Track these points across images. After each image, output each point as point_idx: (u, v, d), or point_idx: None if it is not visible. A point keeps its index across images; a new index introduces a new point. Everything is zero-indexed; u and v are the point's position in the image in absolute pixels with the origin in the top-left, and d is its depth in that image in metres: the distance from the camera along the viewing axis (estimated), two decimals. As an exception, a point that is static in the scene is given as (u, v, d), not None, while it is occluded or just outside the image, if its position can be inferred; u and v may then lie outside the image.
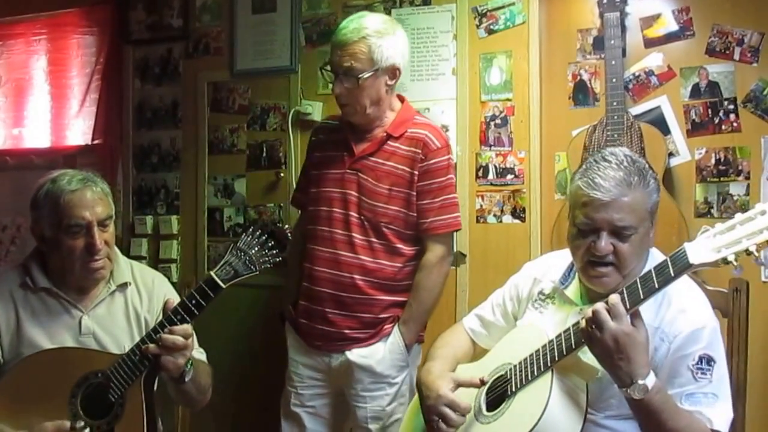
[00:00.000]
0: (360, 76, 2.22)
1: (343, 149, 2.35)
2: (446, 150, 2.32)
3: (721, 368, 1.63)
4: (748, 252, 1.40)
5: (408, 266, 2.33)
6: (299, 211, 2.65)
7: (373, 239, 2.29)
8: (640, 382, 1.49)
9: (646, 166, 1.69)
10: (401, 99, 2.42)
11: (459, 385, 1.81)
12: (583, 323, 1.55)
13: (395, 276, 2.31)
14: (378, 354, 2.30)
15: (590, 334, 1.53)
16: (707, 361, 1.59)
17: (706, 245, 1.46)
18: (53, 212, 1.94)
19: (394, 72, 2.29)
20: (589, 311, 1.53)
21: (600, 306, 1.52)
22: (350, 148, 2.34)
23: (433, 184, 2.29)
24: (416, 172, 2.27)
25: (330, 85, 2.40)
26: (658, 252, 1.75)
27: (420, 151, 2.26)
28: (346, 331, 2.30)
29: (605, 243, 1.62)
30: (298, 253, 2.45)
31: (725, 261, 1.43)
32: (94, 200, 1.96)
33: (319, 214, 2.36)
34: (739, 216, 1.44)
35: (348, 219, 2.30)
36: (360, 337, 2.30)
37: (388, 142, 2.30)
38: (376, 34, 2.24)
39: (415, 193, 2.28)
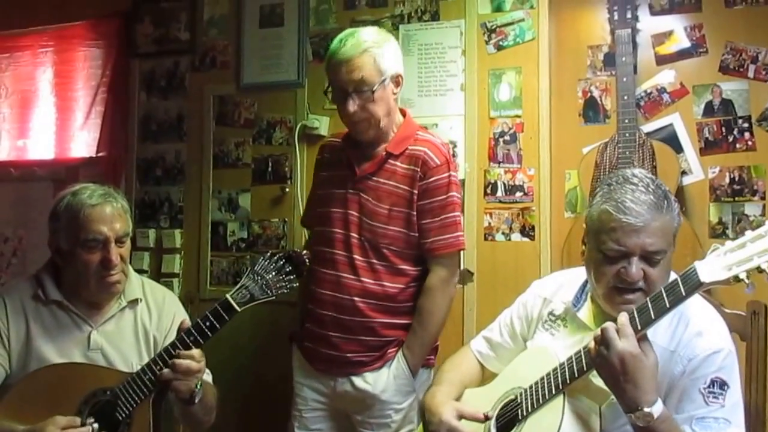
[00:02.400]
0: (373, 88, 2.16)
1: (347, 168, 2.31)
2: (446, 167, 2.23)
3: (735, 394, 1.58)
4: (760, 269, 1.38)
5: (411, 287, 2.26)
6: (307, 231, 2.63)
7: (374, 260, 2.23)
8: (646, 409, 1.46)
9: (668, 188, 1.66)
10: (403, 113, 2.36)
11: (462, 416, 1.77)
12: (591, 344, 1.53)
13: (398, 297, 2.24)
14: (382, 381, 2.24)
15: (598, 352, 1.50)
16: (720, 385, 1.55)
17: (716, 263, 1.43)
18: (72, 225, 1.94)
19: (398, 80, 2.26)
20: (597, 330, 1.51)
21: (609, 325, 1.49)
22: (353, 168, 2.29)
23: (433, 203, 2.22)
24: (416, 191, 2.21)
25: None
26: (672, 272, 1.70)
27: (419, 170, 2.20)
28: (350, 356, 2.24)
29: (636, 269, 1.57)
30: (309, 274, 2.37)
31: (737, 279, 1.40)
32: (113, 216, 1.96)
33: (323, 234, 2.31)
34: (749, 233, 1.42)
35: (349, 240, 2.25)
36: (365, 361, 2.24)
37: (389, 160, 2.24)
38: (375, 45, 2.20)
39: (415, 213, 2.22)
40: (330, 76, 2.24)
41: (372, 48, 2.18)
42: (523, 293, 1.98)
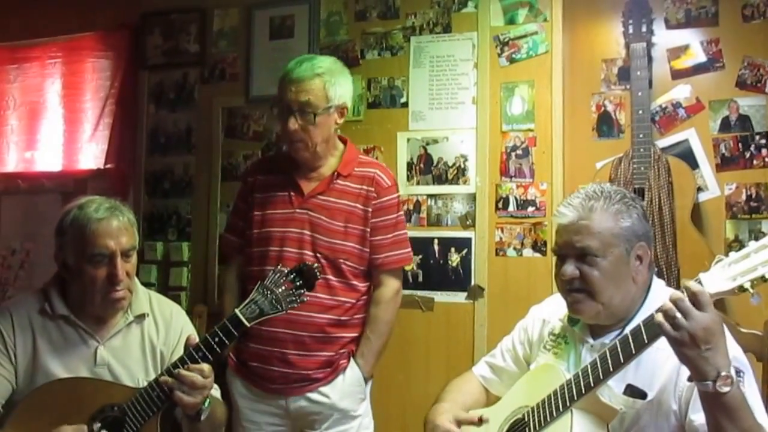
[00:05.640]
0: (316, 112, 2.22)
1: (288, 189, 2.31)
2: (395, 188, 2.34)
3: (753, 381, 1.53)
4: (764, 278, 1.36)
5: (361, 301, 2.31)
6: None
7: (330, 276, 2.25)
8: (724, 373, 1.38)
9: (620, 194, 1.67)
10: (343, 140, 2.40)
11: (459, 421, 1.79)
12: (659, 317, 1.42)
13: (350, 311, 2.28)
14: (338, 390, 2.26)
15: (675, 324, 1.39)
16: (735, 372, 1.46)
17: (721, 274, 1.41)
18: (78, 240, 1.91)
19: (343, 111, 2.30)
20: (667, 302, 1.42)
21: (680, 294, 1.41)
22: (298, 188, 2.30)
23: (386, 221, 2.29)
24: (370, 209, 2.27)
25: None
26: (662, 285, 1.71)
27: (372, 189, 2.27)
28: (306, 372, 2.24)
29: (568, 267, 1.64)
30: (235, 299, 2.33)
31: (742, 289, 1.38)
32: (119, 230, 1.93)
33: (268, 254, 2.27)
34: (753, 244, 1.40)
35: (302, 258, 2.24)
36: (319, 378, 2.25)
37: (338, 180, 2.29)
38: (329, 73, 2.26)
39: (368, 230, 2.27)
40: (279, 93, 2.27)
41: (325, 75, 2.24)
42: (522, 319, 1.97)
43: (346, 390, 2.26)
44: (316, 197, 2.28)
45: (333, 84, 2.23)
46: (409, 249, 2.36)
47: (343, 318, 2.27)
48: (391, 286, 2.31)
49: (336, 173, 2.28)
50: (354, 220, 2.26)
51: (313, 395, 2.25)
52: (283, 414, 2.29)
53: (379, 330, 2.30)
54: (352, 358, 2.29)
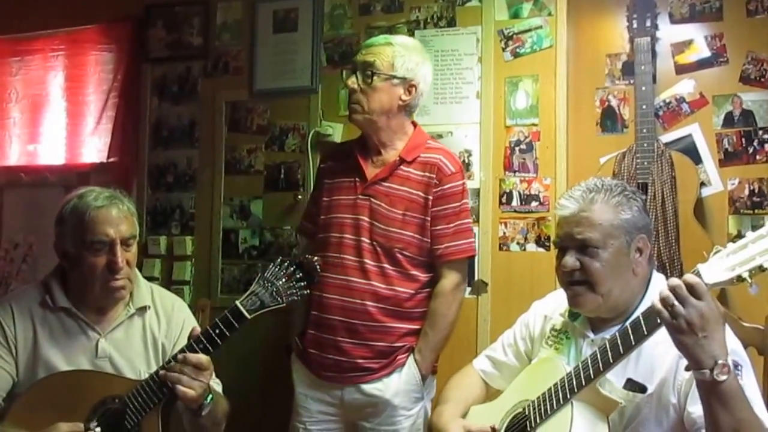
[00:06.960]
0: (376, 73, 2.23)
1: (354, 175, 2.32)
2: (460, 175, 2.30)
3: (751, 375, 1.56)
4: (762, 268, 1.38)
5: (422, 293, 2.28)
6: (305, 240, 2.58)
7: (386, 265, 2.24)
8: (721, 361, 1.39)
9: (620, 187, 1.70)
10: (414, 125, 2.39)
11: (469, 431, 1.80)
12: (657, 305, 1.44)
13: (408, 302, 2.26)
14: (393, 385, 2.24)
15: (673, 311, 1.41)
16: (733, 366, 1.49)
17: (719, 265, 1.43)
18: (78, 228, 1.93)
19: (410, 88, 2.28)
20: (665, 290, 1.44)
21: (680, 282, 1.42)
22: (362, 174, 2.30)
23: (447, 209, 2.26)
24: (430, 197, 2.24)
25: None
26: (662, 279, 1.73)
27: (434, 176, 2.24)
28: (359, 361, 2.24)
29: (569, 258, 1.67)
30: None
31: (740, 279, 1.40)
32: (119, 218, 1.95)
33: (329, 240, 2.31)
34: (750, 234, 1.42)
35: (360, 245, 2.25)
36: (373, 368, 2.24)
37: (401, 167, 2.27)
38: (402, 46, 2.29)
39: (429, 219, 2.25)
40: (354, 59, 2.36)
41: (397, 46, 2.27)
42: (524, 313, 1.99)
43: (401, 387, 2.24)
44: (379, 183, 2.27)
45: (402, 56, 2.24)
46: (472, 239, 2.32)
47: (399, 308, 2.23)
48: (451, 278, 2.27)
49: (400, 159, 2.27)
50: (414, 208, 2.24)
51: (368, 388, 2.23)
52: (338, 404, 2.29)
53: (437, 325, 2.25)
54: (411, 355, 2.25)
